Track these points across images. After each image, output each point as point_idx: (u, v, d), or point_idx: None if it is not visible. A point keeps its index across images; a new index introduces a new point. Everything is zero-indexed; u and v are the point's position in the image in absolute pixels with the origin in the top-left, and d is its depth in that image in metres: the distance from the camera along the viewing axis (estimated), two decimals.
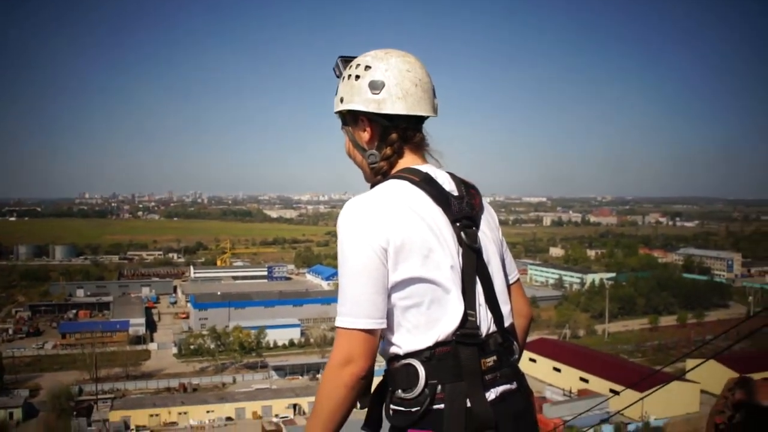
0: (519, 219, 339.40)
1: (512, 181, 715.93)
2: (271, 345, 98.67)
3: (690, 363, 54.43)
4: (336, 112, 2.26)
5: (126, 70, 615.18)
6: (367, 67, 2.14)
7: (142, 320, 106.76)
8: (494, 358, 2.01)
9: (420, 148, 2.22)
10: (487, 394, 1.95)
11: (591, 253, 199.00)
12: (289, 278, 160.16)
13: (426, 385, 1.89)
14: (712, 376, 57.19)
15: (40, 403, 71.26)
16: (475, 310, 1.99)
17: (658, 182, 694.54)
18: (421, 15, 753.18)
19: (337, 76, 2.28)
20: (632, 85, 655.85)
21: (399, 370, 1.97)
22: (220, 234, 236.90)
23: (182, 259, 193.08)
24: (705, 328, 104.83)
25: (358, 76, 2.14)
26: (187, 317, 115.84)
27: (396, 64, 2.13)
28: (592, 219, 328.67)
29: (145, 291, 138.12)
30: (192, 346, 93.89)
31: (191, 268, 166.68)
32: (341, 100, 2.20)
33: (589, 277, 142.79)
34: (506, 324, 2.12)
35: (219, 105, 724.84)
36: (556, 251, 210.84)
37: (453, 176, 2.20)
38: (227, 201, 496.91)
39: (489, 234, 2.18)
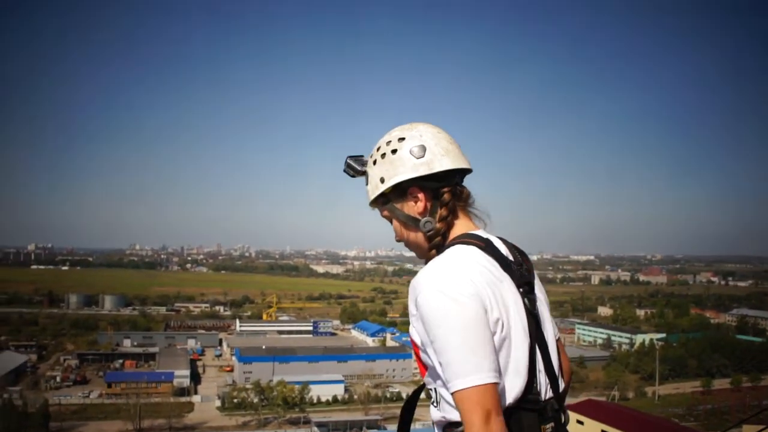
0: (567, 277, 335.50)
1: (560, 239, 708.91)
2: (315, 401, 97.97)
3: (747, 429, 52.43)
4: (374, 199, 2.27)
5: (183, 123, 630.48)
6: (401, 139, 2.18)
7: (187, 372, 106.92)
8: (552, 424, 2.06)
9: (468, 206, 2.27)
10: None
11: (640, 312, 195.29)
12: (334, 334, 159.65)
13: None
14: None
15: None
16: (536, 376, 2.02)
17: (710, 241, 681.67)
18: (464, 71, 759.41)
19: (352, 175, 2.34)
20: (678, 142, 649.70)
21: None
22: (266, 288, 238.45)
23: (228, 312, 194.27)
24: (761, 391, 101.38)
25: (395, 150, 2.17)
26: (232, 370, 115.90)
27: (426, 129, 2.20)
28: (642, 278, 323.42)
29: (191, 343, 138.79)
30: (235, 400, 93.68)
31: (237, 321, 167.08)
32: (382, 181, 2.21)
33: (639, 338, 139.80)
34: (561, 389, 2.16)
35: (269, 160, 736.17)
36: (604, 310, 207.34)
37: (504, 241, 2.23)
38: (274, 255, 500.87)
39: (542, 297, 2.20)
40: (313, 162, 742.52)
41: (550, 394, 2.09)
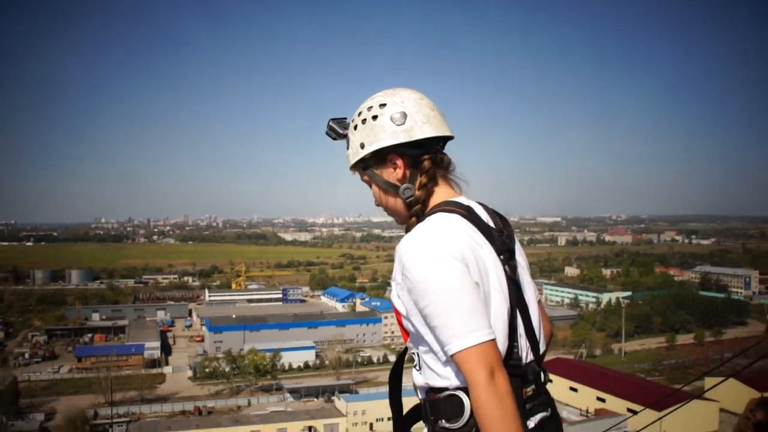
0: (534, 239, 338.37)
1: (527, 202, 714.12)
2: (286, 367, 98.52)
3: (709, 381, 53.95)
4: (354, 164, 2.27)
5: (143, 97, 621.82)
6: (382, 105, 2.17)
7: (158, 344, 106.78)
8: (533, 387, 2.06)
9: (449, 173, 2.26)
10: (529, 423, 2.01)
11: (606, 272, 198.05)
12: (303, 301, 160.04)
13: (471, 415, 1.90)
14: (733, 395, 56.74)
15: (56, 427, 71.36)
16: (517, 341, 2.04)
17: (674, 200, 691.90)
18: (431, 37, 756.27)
19: (334, 138, 2.34)
20: (648, 104, 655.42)
21: (443, 401, 1.99)
22: (234, 257, 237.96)
23: (197, 283, 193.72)
24: (723, 346, 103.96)
25: (376, 116, 2.17)
26: (202, 340, 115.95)
27: (408, 95, 2.19)
28: (608, 238, 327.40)
29: (161, 314, 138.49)
30: (207, 369, 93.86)
31: (206, 291, 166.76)
32: (362, 146, 2.21)
33: (605, 296, 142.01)
34: (541, 351, 2.18)
35: (234, 129, 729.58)
36: (571, 271, 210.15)
37: (485, 207, 2.24)
38: (242, 224, 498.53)
39: (522, 263, 2.22)
40: (280, 130, 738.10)
41: (530, 357, 2.10)
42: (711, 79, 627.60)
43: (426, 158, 2.18)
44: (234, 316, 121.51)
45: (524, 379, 2.04)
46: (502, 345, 1.97)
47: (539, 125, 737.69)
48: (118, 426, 72.56)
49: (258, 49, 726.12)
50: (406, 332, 2.14)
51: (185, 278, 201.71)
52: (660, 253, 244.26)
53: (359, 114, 2.23)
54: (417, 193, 2.18)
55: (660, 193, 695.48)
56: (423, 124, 2.14)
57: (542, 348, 2.19)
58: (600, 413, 67.17)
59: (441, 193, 2.21)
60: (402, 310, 2.07)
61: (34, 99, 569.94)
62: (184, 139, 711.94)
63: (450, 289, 1.88)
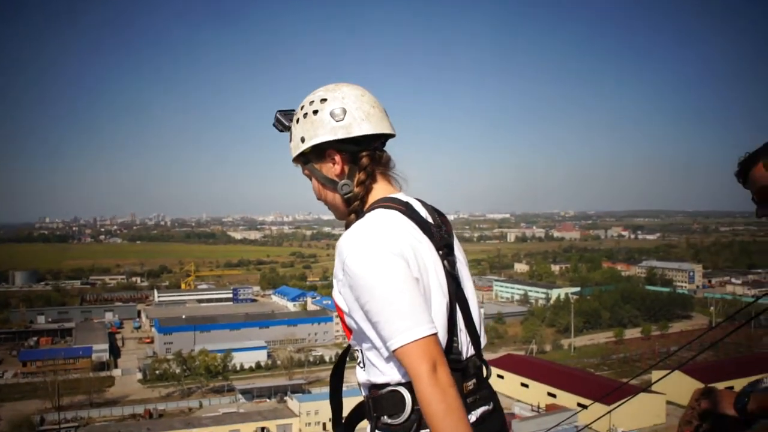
0: (483, 236, 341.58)
1: (476, 198, 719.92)
2: (238, 368, 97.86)
3: (656, 374, 55.13)
4: (296, 157, 2.27)
5: (85, 92, 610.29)
6: (323, 100, 2.17)
7: (106, 346, 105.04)
8: (474, 381, 2.07)
9: (388, 170, 2.25)
10: (470, 417, 1.99)
11: (555, 268, 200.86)
12: (254, 300, 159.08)
13: (412, 410, 1.92)
14: (678, 387, 58.01)
15: None
16: (457, 336, 2.04)
17: (620, 196, 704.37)
18: (387, 31, 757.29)
19: (280, 130, 2.32)
20: (592, 101, 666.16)
21: (385, 397, 1.99)
22: (184, 257, 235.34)
23: (146, 283, 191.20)
24: (669, 339, 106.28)
25: (316, 111, 2.16)
26: (152, 342, 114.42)
27: (350, 92, 2.18)
28: (556, 234, 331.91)
29: (109, 316, 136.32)
30: (157, 371, 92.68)
31: (155, 291, 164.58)
32: (302, 140, 2.20)
33: (554, 292, 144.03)
34: (482, 345, 2.17)
35: (180, 127, 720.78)
36: (521, 267, 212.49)
37: (424, 203, 2.23)
38: (191, 223, 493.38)
39: (461, 258, 2.21)
40: (228, 126, 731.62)
41: (471, 351, 2.10)
42: (656, 76, 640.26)
43: (364, 155, 2.17)
44: (184, 316, 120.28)
45: (465, 374, 2.04)
46: (442, 340, 1.95)
47: (488, 122, 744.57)
48: (66, 431, 71.35)
49: (207, 42, 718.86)
50: (348, 329, 2.12)
51: (133, 279, 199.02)
52: (607, 248, 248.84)
53: (301, 108, 2.23)
54: (355, 189, 2.17)
55: (606, 189, 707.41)
56: (362, 121, 2.14)
57: (483, 342, 2.18)
58: (551, 408, 68.12)
59: (380, 190, 2.20)
60: (344, 307, 2.05)
61: None
62: (131, 136, 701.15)
63: (390, 285, 1.87)
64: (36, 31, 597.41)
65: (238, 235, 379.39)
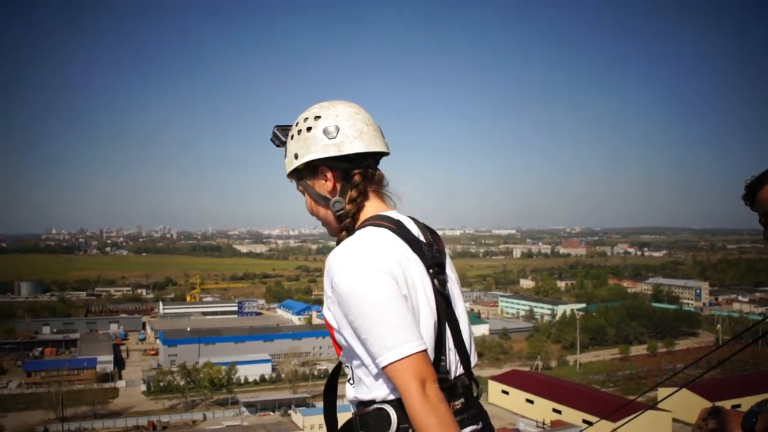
0: (489, 251, 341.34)
1: (482, 214, 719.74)
2: (242, 381, 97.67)
3: (662, 392, 54.80)
4: (290, 173, 2.29)
5: (93, 103, 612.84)
6: (317, 117, 2.19)
7: (110, 357, 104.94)
8: (462, 400, 2.06)
9: (381, 188, 2.28)
10: None
11: (561, 284, 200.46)
12: (259, 313, 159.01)
13: (398, 428, 1.92)
14: (684, 404, 57.64)
15: None
16: (445, 355, 2.04)
17: (626, 213, 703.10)
18: (390, 41, 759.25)
19: (277, 145, 2.34)
20: (598, 117, 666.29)
21: (371, 415, 2.00)
22: (189, 269, 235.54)
23: (151, 295, 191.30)
24: (675, 356, 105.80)
25: (310, 128, 2.19)
26: (156, 354, 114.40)
27: (344, 109, 2.20)
28: (562, 250, 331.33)
29: (113, 327, 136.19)
30: (161, 383, 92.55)
31: (160, 304, 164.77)
32: (296, 157, 2.23)
33: (560, 308, 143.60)
34: (472, 365, 2.18)
35: (187, 140, 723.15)
36: (526, 283, 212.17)
37: (416, 221, 2.24)
38: (196, 236, 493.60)
39: (453, 277, 2.22)
40: (235, 140, 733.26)
41: (460, 371, 2.11)
42: (664, 92, 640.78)
43: (356, 173, 2.18)
44: (189, 329, 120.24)
45: (452, 393, 2.03)
46: (430, 358, 1.95)
47: (494, 137, 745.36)
48: None
49: (216, 55, 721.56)
50: (338, 346, 2.13)
51: (139, 290, 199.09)
52: (613, 265, 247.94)
53: (296, 124, 2.25)
54: (347, 206, 2.19)
55: (613, 206, 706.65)
56: (354, 139, 2.15)
57: (473, 361, 2.19)
58: (556, 425, 67.78)
59: (372, 207, 2.21)
60: (333, 324, 2.06)
61: None
62: (138, 148, 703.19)
63: (379, 302, 1.88)
64: (42, 37, 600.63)
65: (243, 249, 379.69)
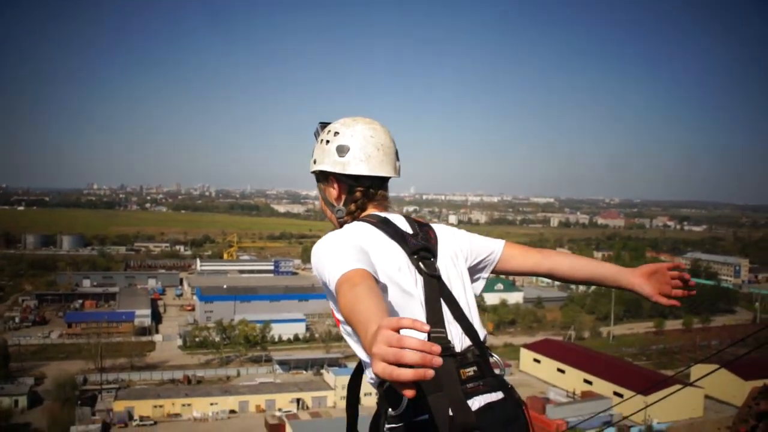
0: (527, 219, 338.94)
1: (520, 182, 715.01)
2: (276, 339, 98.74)
3: (696, 368, 54.22)
4: (311, 171, 2.60)
5: (136, 62, 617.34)
6: (336, 133, 2.47)
7: (148, 312, 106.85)
8: (474, 368, 2.18)
9: (381, 204, 2.53)
10: (471, 402, 2.09)
11: (598, 255, 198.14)
12: (295, 273, 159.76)
13: (408, 401, 2.03)
14: (718, 381, 57.15)
15: (45, 392, 71.50)
16: (444, 327, 2.18)
17: (667, 186, 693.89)
18: (426, 15, 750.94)
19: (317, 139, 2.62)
20: (644, 88, 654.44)
21: (386, 391, 2.14)
22: (227, 227, 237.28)
23: (189, 252, 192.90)
24: (710, 332, 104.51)
25: (328, 141, 2.48)
26: (193, 309, 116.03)
27: (361, 131, 2.46)
28: (600, 221, 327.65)
29: (152, 283, 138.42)
30: (197, 339, 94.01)
31: (198, 260, 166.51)
32: (314, 162, 2.55)
33: None
34: (481, 337, 2.30)
35: (229, 99, 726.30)
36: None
37: (407, 218, 2.50)
38: (235, 195, 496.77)
39: (449, 260, 2.42)
40: (275, 101, 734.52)
41: (467, 342, 2.23)
42: (710, 70, 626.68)
43: (358, 190, 2.47)
44: (225, 286, 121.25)
45: (463, 361, 2.17)
46: (424, 329, 1.98)
47: (536, 105, 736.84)
48: (107, 392, 72.87)
49: (254, 20, 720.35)
50: (338, 319, 2.34)
51: (177, 247, 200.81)
52: (651, 237, 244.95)
53: (326, 131, 2.54)
54: (345, 216, 2.50)
55: (653, 178, 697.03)
56: (360, 162, 2.42)
57: (482, 334, 2.30)
58: (586, 395, 67.76)
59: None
60: (339, 315, 2.25)
61: (28, 62, 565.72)
62: (179, 106, 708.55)
63: (334, 249, 2.08)
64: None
65: (281, 208, 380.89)
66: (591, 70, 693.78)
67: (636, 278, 2.71)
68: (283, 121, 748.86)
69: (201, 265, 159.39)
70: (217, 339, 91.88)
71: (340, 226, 2.47)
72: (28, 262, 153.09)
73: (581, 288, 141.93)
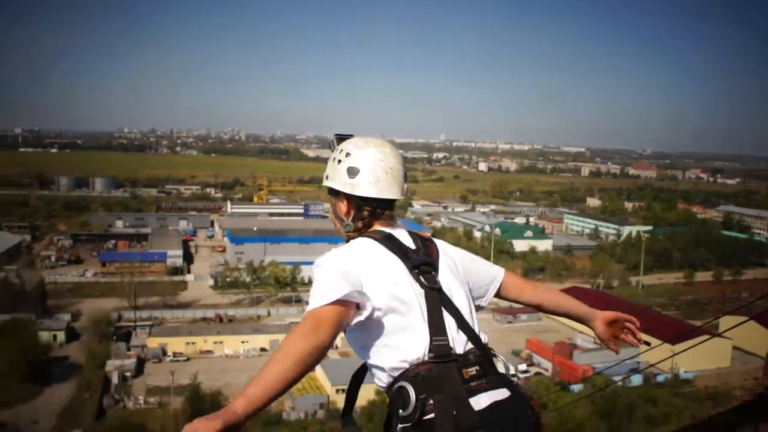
0: (557, 168, 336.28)
1: (551, 130, 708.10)
2: (306, 281, 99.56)
3: (725, 319, 54.06)
4: (324, 185, 2.69)
5: (168, 7, 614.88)
6: (348, 155, 2.57)
7: (180, 252, 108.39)
8: (476, 368, 2.28)
9: (387, 222, 2.62)
10: (476, 400, 2.19)
11: (629, 205, 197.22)
12: (324, 216, 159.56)
13: (417, 400, 2.15)
14: (747, 333, 56.93)
15: (82, 328, 73.49)
16: (446, 335, 2.30)
17: (700, 138, 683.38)
18: None
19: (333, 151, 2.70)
20: (679, 41, 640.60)
21: (395, 394, 2.25)
22: (257, 171, 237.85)
23: (219, 195, 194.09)
24: (741, 285, 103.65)
25: (340, 161, 2.58)
26: (224, 251, 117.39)
27: (371, 154, 2.56)
28: (632, 171, 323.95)
29: (183, 224, 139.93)
30: (228, 279, 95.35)
31: (228, 203, 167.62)
32: (326, 177, 2.64)
33: (626, 229, 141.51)
34: (483, 341, 2.42)
35: (258, 44, 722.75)
36: (593, 202, 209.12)
37: (411, 233, 2.61)
38: (265, 139, 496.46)
39: (450, 274, 2.52)
40: (305, 47, 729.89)
41: (470, 346, 2.34)
42: (747, 16, 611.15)
43: (366, 209, 2.58)
44: (255, 228, 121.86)
45: (465, 362, 2.27)
46: (420, 334, 2.27)
47: (571, 54, 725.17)
48: (141, 329, 74.51)
49: None
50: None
51: (207, 190, 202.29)
52: (684, 189, 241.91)
53: (337, 149, 2.64)
54: (353, 233, 2.61)
55: (687, 129, 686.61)
56: (369, 185, 2.53)
57: (484, 339, 2.42)
58: None
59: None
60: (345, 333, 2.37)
61: (62, 6, 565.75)
62: (209, 51, 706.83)
63: (325, 275, 2.24)
64: None
65: (311, 153, 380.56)
66: (624, 20, 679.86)
67: (597, 322, 2.92)
68: (314, 66, 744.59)
69: (231, 208, 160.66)
70: (248, 279, 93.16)
71: (348, 238, 2.60)
72: (61, 203, 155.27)
73: (611, 237, 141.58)
